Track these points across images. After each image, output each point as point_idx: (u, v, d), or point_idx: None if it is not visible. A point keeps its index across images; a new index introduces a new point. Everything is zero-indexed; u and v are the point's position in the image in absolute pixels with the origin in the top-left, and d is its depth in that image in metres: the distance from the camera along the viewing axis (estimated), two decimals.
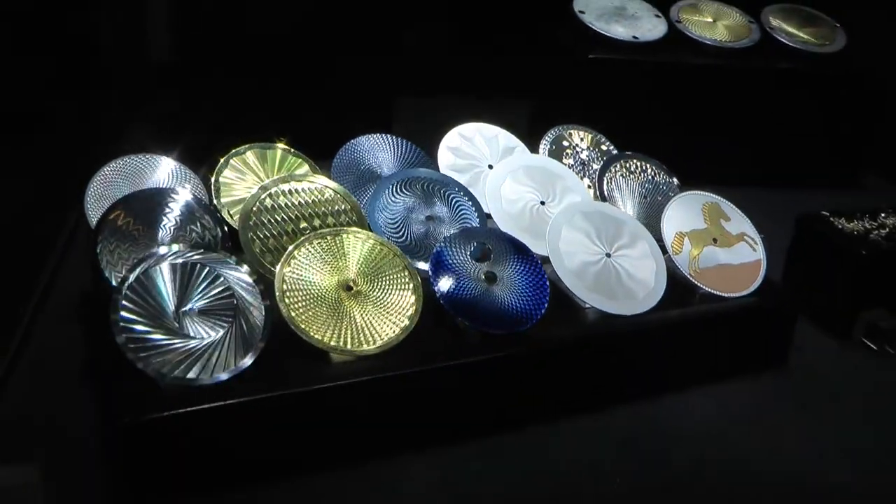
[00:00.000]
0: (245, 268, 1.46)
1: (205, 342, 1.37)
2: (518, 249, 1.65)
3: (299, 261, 1.52)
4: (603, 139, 2.15)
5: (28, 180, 1.83)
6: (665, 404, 1.68)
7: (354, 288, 1.52)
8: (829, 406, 1.75)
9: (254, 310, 1.43)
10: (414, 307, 1.52)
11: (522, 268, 1.62)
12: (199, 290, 1.41)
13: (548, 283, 1.61)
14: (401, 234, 1.72)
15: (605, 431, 1.60)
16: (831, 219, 1.99)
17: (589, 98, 2.51)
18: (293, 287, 1.48)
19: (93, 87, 2.28)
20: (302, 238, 1.56)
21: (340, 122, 2.03)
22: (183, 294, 1.40)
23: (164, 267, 1.41)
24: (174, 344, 1.35)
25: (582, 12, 2.58)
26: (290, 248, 1.53)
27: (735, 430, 1.65)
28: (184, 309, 1.38)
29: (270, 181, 1.71)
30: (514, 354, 1.52)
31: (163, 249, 1.45)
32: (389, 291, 1.53)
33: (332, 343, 1.44)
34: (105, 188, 1.73)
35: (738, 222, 1.86)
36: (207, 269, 1.43)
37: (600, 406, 1.64)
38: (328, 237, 1.57)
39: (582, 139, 2.13)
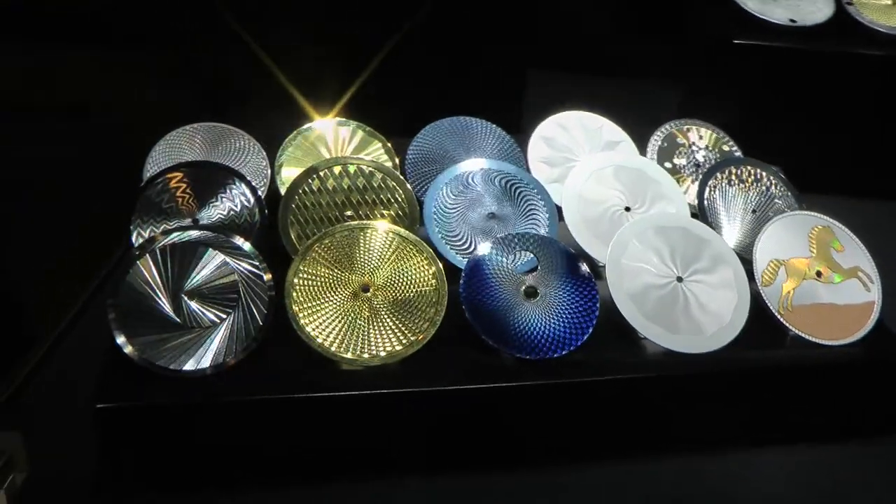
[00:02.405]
0: (257, 257, 1.38)
1: (195, 331, 1.31)
2: (571, 267, 1.47)
3: (314, 258, 1.41)
4: (726, 139, 1.89)
5: None
6: (727, 463, 1.45)
7: (371, 290, 1.40)
8: None
9: (259, 302, 1.35)
10: (430, 321, 1.38)
11: (570, 288, 1.44)
12: (202, 273, 1.35)
13: (597, 308, 1.42)
14: (455, 231, 1.58)
15: (642, 486, 1.40)
16: None
17: (732, 89, 2.23)
18: (304, 285, 1.38)
19: None
20: (321, 233, 1.45)
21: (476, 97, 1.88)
22: (184, 276, 1.34)
23: (175, 244, 1.35)
24: (166, 328, 1.30)
25: None
26: (309, 242, 1.43)
27: None
28: (183, 292, 1.33)
29: (322, 161, 1.62)
30: (540, 382, 1.36)
31: (184, 224, 1.40)
32: (409, 300, 1.40)
33: (333, 349, 1.34)
34: (171, 149, 1.70)
35: (853, 254, 1.58)
36: (214, 253, 1.36)
37: (642, 455, 1.44)
38: (346, 232, 1.44)
39: (701, 137, 1.89)
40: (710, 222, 1.67)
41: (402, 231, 1.45)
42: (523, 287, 1.43)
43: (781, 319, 1.49)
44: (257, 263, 1.37)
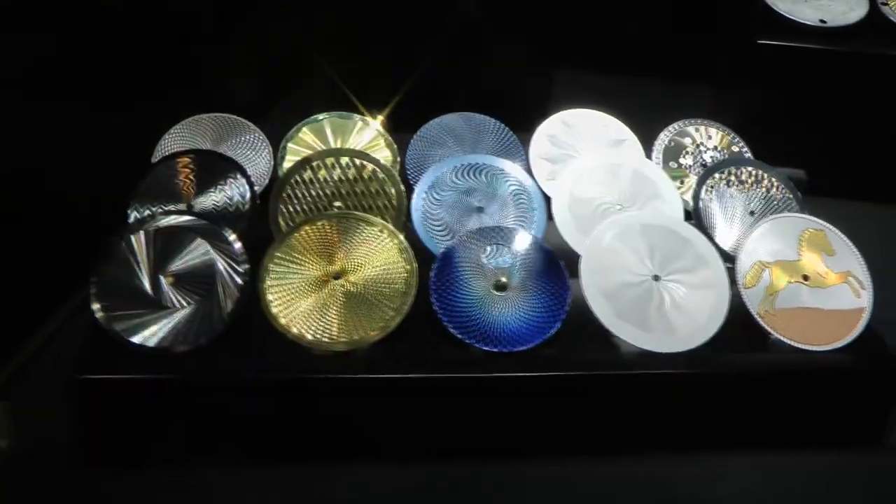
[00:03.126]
0: (237, 243, 1.43)
1: (170, 311, 1.37)
2: (545, 262, 1.47)
3: (292, 244, 1.46)
4: (737, 140, 1.87)
5: None
6: (695, 467, 1.44)
7: (342, 278, 1.44)
8: None
9: (233, 288, 1.40)
10: (397, 310, 1.41)
11: (541, 283, 1.45)
12: (182, 256, 1.41)
13: (566, 305, 1.43)
14: (441, 224, 1.61)
15: (604, 485, 1.40)
16: None
17: (758, 90, 2.20)
18: (279, 271, 1.43)
19: None
20: (300, 221, 1.49)
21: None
22: (167, 257, 1.40)
23: (160, 227, 1.42)
24: (141, 304, 1.37)
25: None
26: (288, 229, 1.48)
27: None
28: (163, 273, 1.39)
29: (316, 153, 1.66)
30: (498, 375, 1.37)
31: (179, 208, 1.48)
32: (378, 290, 1.43)
33: (296, 331, 1.38)
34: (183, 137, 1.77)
35: (846, 259, 1.54)
36: (194, 237, 1.42)
37: (605, 454, 1.43)
38: (324, 221, 1.48)
39: (710, 137, 1.86)
40: (705, 223, 1.65)
41: (379, 221, 1.49)
42: (494, 280, 1.45)
43: (761, 322, 1.47)
44: (238, 254, 1.42)
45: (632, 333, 1.43)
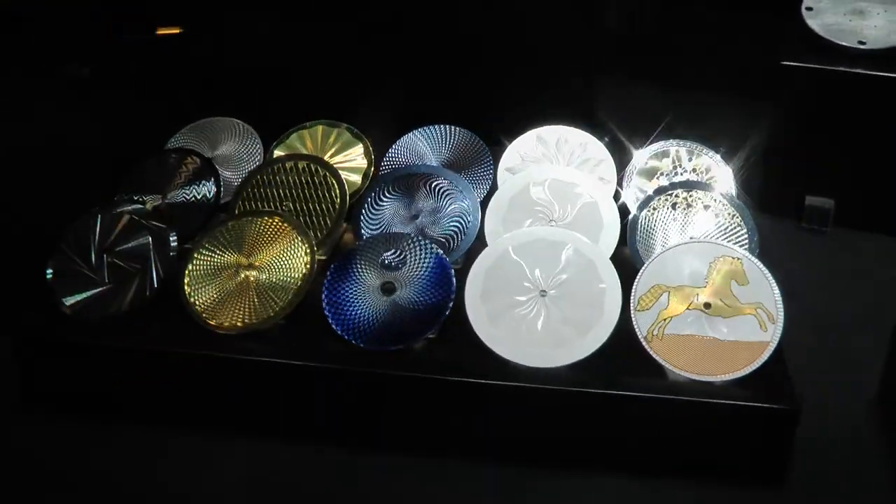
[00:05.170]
0: (172, 233, 1.62)
1: (106, 285, 1.58)
2: (436, 270, 1.53)
3: (216, 237, 1.61)
4: (720, 163, 1.81)
5: None
6: (543, 483, 1.43)
7: (250, 269, 1.58)
8: None
9: (161, 268, 1.59)
10: (289, 303, 1.52)
11: (425, 289, 1.51)
12: (128, 241, 1.62)
13: (444, 314, 1.48)
14: (379, 226, 1.71)
15: (449, 490, 1.43)
16: None
17: (785, 111, 2.09)
18: (200, 259, 1.59)
19: None
20: (225, 217, 1.66)
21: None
22: (109, 238, 1.62)
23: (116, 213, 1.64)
24: (89, 274, 1.59)
25: (809, 9, 2.12)
26: (215, 225, 1.64)
27: None
28: (107, 251, 1.61)
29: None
30: (362, 370, 1.45)
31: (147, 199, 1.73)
32: (276, 281, 1.56)
33: (204, 314, 1.54)
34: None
35: (759, 290, 1.46)
36: (137, 223, 1.63)
37: (462, 460, 1.46)
38: (247, 218, 1.64)
39: (691, 158, 1.82)
40: (639, 244, 1.63)
41: (294, 221, 1.62)
42: (381, 283, 1.53)
43: (645, 345, 1.44)
44: (173, 244, 1.61)
45: (505, 347, 1.45)
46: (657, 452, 1.45)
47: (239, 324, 1.52)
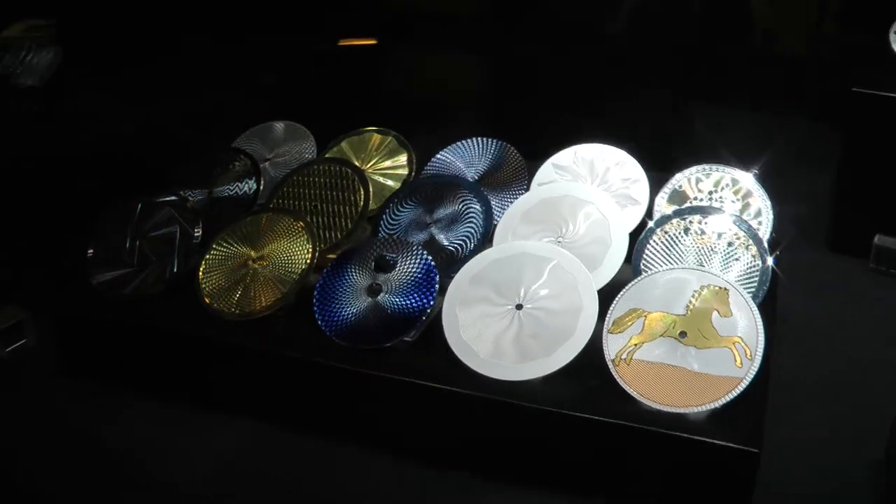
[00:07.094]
0: (198, 226, 1.75)
1: (134, 267, 1.73)
2: (421, 276, 1.56)
3: (233, 231, 1.72)
4: (757, 192, 1.72)
5: None
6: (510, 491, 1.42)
7: (258, 261, 1.67)
8: None
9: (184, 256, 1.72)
10: (284, 295, 1.60)
11: (407, 294, 1.54)
12: (156, 227, 1.76)
13: (422, 320, 1.51)
14: (398, 234, 1.75)
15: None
16: None
17: (851, 143, 1.96)
18: (215, 251, 1.70)
19: None
20: (247, 213, 1.76)
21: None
22: (146, 225, 1.77)
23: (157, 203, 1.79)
24: (121, 257, 1.75)
25: None
26: (239, 220, 1.75)
27: None
28: (140, 236, 1.75)
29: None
30: (340, 366, 1.50)
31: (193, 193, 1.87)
32: (277, 275, 1.64)
33: (208, 300, 1.64)
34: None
35: (741, 324, 1.38)
36: (171, 214, 1.76)
37: (417, 465, 1.48)
38: (263, 215, 1.74)
39: (724, 187, 1.75)
40: (643, 267, 1.59)
41: (305, 221, 1.69)
42: (370, 283, 1.57)
43: (612, 368, 1.40)
44: (196, 236, 1.73)
45: (473, 358, 1.45)
46: (616, 477, 1.41)
47: (236, 311, 1.61)
